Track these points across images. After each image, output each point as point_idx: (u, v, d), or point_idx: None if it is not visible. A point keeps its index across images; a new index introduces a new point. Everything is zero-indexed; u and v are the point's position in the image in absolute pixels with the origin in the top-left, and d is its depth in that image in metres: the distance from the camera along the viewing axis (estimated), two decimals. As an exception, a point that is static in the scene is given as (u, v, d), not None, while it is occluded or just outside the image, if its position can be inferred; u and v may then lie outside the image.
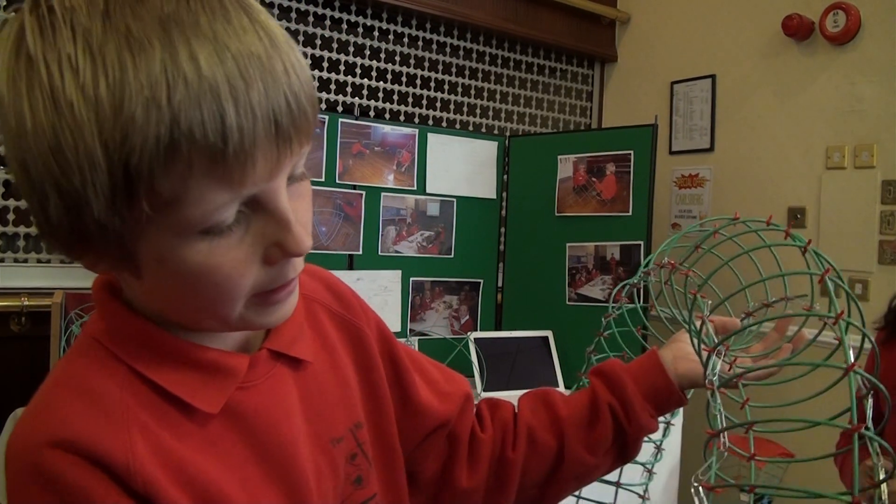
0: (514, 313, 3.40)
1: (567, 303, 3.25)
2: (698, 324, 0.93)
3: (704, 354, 0.90)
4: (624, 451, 0.99)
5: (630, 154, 3.11)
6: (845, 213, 3.10)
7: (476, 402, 0.98)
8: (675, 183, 3.83)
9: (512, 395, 2.96)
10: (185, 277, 0.60)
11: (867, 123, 3.10)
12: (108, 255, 0.60)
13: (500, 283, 3.43)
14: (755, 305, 0.95)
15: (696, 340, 0.93)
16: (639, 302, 1.15)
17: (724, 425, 0.80)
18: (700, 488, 0.74)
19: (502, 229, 3.43)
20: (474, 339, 3.00)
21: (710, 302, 0.96)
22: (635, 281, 1.10)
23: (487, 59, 3.78)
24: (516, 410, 1.00)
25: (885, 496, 0.78)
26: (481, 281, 3.35)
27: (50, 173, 0.55)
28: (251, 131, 0.56)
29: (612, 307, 1.17)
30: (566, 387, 3.12)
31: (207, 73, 0.54)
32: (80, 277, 2.75)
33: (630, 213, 3.10)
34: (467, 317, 3.32)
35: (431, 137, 3.19)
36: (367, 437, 0.82)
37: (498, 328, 3.39)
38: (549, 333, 3.19)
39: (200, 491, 0.62)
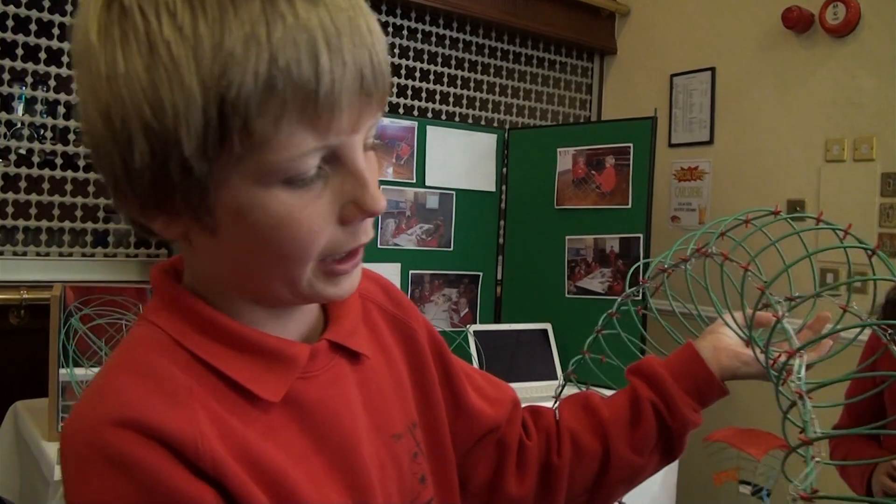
0: (513, 306, 3.40)
1: (566, 295, 3.25)
2: (746, 319, 0.92)
3: (761, 355, 0.89)
4: (669, 449, 0.97)
5: (629, 147, 3.10)
6: (845, 206, 3.10)
7: None
8: (674, 176, 3.82)
9: (512, 387, 2.94)
10: (264, 231, 0.60)
11: (866, 116, 3.10)
12: (186, 210, 0.61)
13: (499, 276, 3.43)
14: (797, 294, 0.93)
15: (756, 346, 0.91)
16: (645, 298, 1.14)
17: (817, 431, 0.78)
18: (799, 498, 0.73)
19: (501, 222, 3.43)
20: (473, 331, 3.00)
21: (781, 300, 0.94)
22: (666, 266, 1.07)
23: (487, 51, 3.77)
24: (557, 416, 0.99)
25: None
26: (480, 274, 3.35)
27: (139, 115, 0.56)
28: (341, 78, 0.58)
29: (619, 302, 1.16)
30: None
31: (304, 17, 0.56)
32: (79, 270, 2.75)
33: (629, 206, 3.09)
34: (466, 310, 3.32)
35: (430, 130, 3.19)
36: (422, 438, 0.82)
37: (497, 321, 3.39)
38: (548, 326, 3.20)
39: (268, 476, 0.62)
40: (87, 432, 0.58)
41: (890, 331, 0.82)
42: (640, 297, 1.13)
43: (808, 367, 0.96)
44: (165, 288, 0.69)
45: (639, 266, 1.15)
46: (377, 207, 0.64)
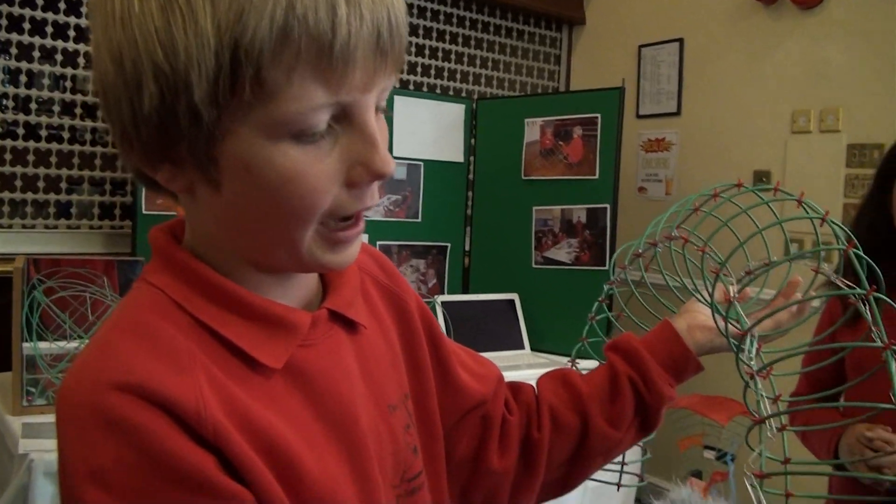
0: (480, 277, 3.41)
1: (533, 266, 3.26)
2: (717, 297, 0.94)
3: (722, 324, 0.92)
4: (646, 423, 0.99)
5: (597, 118, 3.11)
6: (810, 177, 3.13)
7: None
8: (641, 147, 3.84)
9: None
10: (269, 186, 0.59)
11: (833, 87, 3.12)
12: (191, 160, 0.60)
13: (467, 247, 3.44)
14: (755, 264, 0.95)
15: (717, 318, 0.94)
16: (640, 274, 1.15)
17: (768, 410, 0.80)
18: (752, 476, 0.74)
19: (469, 193, 3.42)
20: (441, 302, 3.01)
21: (734, 281, 0.96)
22: (641, 250, 1.10)
23: (455, 20, 3.74)
24: (536, 392, 1.00)
25: None
26: (448, 245, 3.35)
27: (151, 57, 0.56)
28: (357, 32, 0.57)
29: (615, 274, 1.18)
30: (532, 349, 3.14)
31: None
32: (41, 242, 2.71)
33: (596, 177, 3.10)
34: (434, 280, 3.32)
35: (398, 100, 3.17)
36: (413, 410, 0.82)
37: (465, 292, 3.40)
38: (515, 296, 3.21)
39: (268, 444, 0.61)
40: (86, 395, 0.56)
41: (856, 293, 0.84)
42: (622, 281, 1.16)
43: (771, 337, 0.97)
44: (166, 249, 0.67)
45: (621, 250, 1.18)
46: (387, 170, 0.62)
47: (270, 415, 0.62)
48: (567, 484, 0.99)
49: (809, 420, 1.64)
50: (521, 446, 0.94)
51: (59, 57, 2.81)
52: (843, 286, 0.81)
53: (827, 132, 3.13)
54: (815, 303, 1.01)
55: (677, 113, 3.71)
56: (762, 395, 0.82)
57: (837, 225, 0.90)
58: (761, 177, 3.30)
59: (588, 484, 1.16)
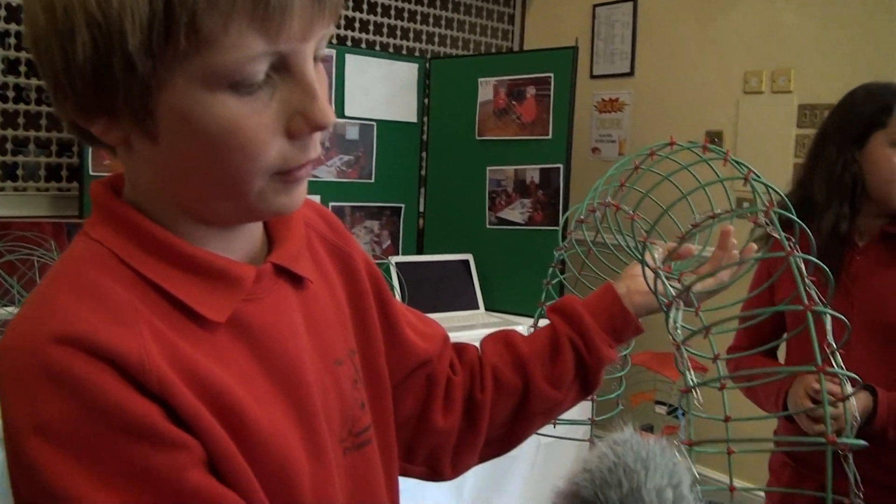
0: (435, 237, 3.40)
1: (487, 226, 3.26)
2: (648, 256, 0.95)
3: (651, 279, 0.93)
4: (586, 384, 1.00)
5: (550, 77, 3.10)
6: (762, 137, 3.17)
7: None
8: (595, 107, 3.84)
9: (435, 318, 2.97)
10: (207, 138, 0.58)
11: (785, 48, 3.14)
12: (127, 112, 0.58)
13: (421, 208, 3.42)
14: (700, 217, 0.96)
15: (646, 272, 0.95)
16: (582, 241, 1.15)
17: (693, 381, 0.81)
18: (682, 447, 0.75)
19: (423, 154, 3.40)
20: (396, 263, 3.00)
21: (659, 248, 0.98)
22: (583, 216, 1.11)
23: (407, -22, 3.68)
24: (480, 353, 1.01)
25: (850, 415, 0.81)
26: (403, 206, 3.33)
27: (83, 4, 0.54)
28: None
29: (564, 243, 1.18)
30: (486, 308, 3.15)
31: None
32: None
33: (550, 137, 3.10)
34: (388, 242, 3.31)
35: (349, 59, 3.12)
36: (360, 365, 0.81)
37: (419, 252, 3.39)
38: (469, 257, 3.21)
39: (215, 395, 0.61)
40: (27, 351, 0.56)
41: (791, 240, 0.85)
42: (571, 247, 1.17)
43: (711, 294, 0.99)
44: (107, 202, 0.66)
45: (569, 214, 1.18)
46: (326, 120, 0.61)
47: (216, 367, 0.62)
48: (508, 443, 1.00)
49: (754, 374, 1.66)
50: (465, 406, 0.95)
51: (1, 13, 2.70)
52: (780, 239, 0.82)
53: (779, 93, 3.16)
54: (753, 255, 1.02)
55: (631, 73, 3.71)
56: (688, 367, 0.84)
57: (762, 182, 0.91)
58: (713, 137, 3.33)
59: (541, 440, 1.18)
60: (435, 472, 0.95)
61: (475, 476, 2.64)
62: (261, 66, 0.58)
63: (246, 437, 0.62)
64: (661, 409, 3.21)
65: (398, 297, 2.89)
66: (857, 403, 1.44)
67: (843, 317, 0.81)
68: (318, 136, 0.64)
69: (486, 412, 0.95)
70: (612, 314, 1.00)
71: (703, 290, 0.97)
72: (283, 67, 0.60)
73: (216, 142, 0.59)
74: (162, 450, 0.56)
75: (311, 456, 0.68)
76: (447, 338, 0.97)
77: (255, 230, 0.72)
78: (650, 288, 0.96)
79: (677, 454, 0.61)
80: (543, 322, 1.10)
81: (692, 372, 0.85)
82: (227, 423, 0.61)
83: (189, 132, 0.59)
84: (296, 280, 0.73)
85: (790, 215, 0.85)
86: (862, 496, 0.81)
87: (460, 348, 1.01)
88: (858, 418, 1.43)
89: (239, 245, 0.70)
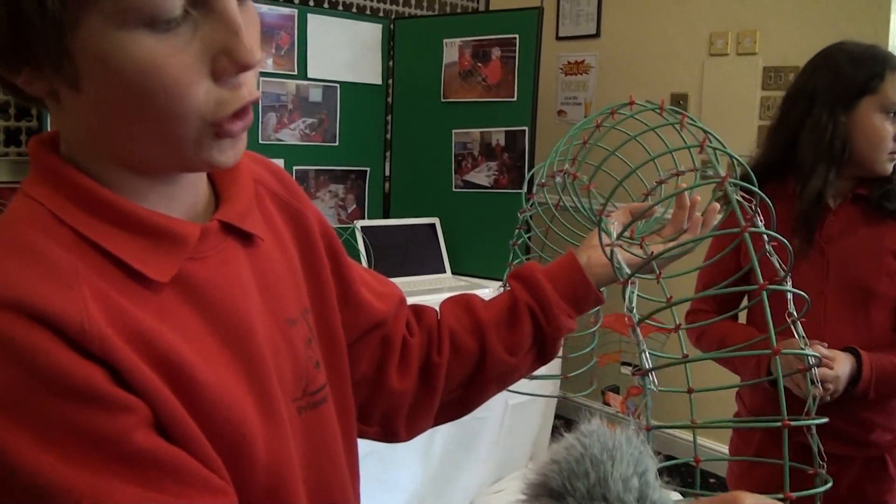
0: (401, 201, 3.37)
1: (453, 189, 3.24)
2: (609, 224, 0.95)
3: (608, 250, 0.93)
4: (543, 351, 1.00)
5: (515, 38, 3.06)
6: (727, 99, 3.17)
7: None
8: (561, 70, 3.82)
9: (401, 282, 2.97)
10: (129, 81, 0.56)
11: (750, 10, 3.14)
12: (46, 59, 0.57)
13: (387, 172, 3.39)
14: (665, 174, 0.95)
15: (603, 246, 0.94)
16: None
17: (649, 363, 0.81)
18: (643, 430, 0.75)
19: (388, 117, 3.36)
20: (361, 227, 2.97)
21: (615, 223, 0.97)
22: (543, 181, 1.09)
23: (370, -64, 3.61)
24: (439, 316, 1.00)
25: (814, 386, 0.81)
26: (368, 169, 3.29)
27: None
28: None
29: (527, 205, 1.17)
30: (453, 272, 3.15)
31: None
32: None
33: (515, 99, 3.08)
34: (354, 206, 3.28)
35: (312, 19, 3.05)
36: (314, 324, 0.80)
37: (386, 216, 3.36)
38: (436, 220, 3.19)
39: (161, 357, 0.59)
40: None
41: (751, 203, 0.85)
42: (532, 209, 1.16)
43: (671, 259, 0.98)
44: (44, 160, 0.63)
45: (530, 175, 1.18)
46: (251, 59, 0.59)
47: (163, 328, 0.60)
48: (463, 407, 1.00)
49: (726, 339, 1.65)
50: (421, 368, 0.95)
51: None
52: (736, 211, 0.81)
53: (744, 55, 3.16)
54: (715, 221, 1.02)
55: (596, 35, 3.69)
56: (644, 350, 0.84)
57: (719, 149, 0.90)
58: (678, 99, 3.32)
59: (508, 402, 1.18)
60: (389, 433, 0.95)
61: (443, 438, 2.65)
62: (175, 1, 0.56)
63: (195, 398, 0.60)
64: (627, 370, 3.24)
65: (364, 261, 2.87)
66: (841, 367, 1.45)
67: (802, 293, 0.82)
68: (250, 77, 0.62)
69: (443, 375, 0.95)
70: (573, 283, 0.99)
71: (665, 256, 0.96)
72: (202, 3, 0.58)
73: (137, 84, 0.57)
74: (107, 412, 0.55)
75: (264, 416, 0.67)
76: (403, 299, 0.96)
77: (198, 185, 0.70)
78: (609, 260, 0.95)
79: (643, 443, 0.62)
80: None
81: (647, 354, 0.85)
82: (176, 385, 0.59)
83: (108, 76, 0.57)
84: (245, 238, 0.72)
85: (751, 186, 0.84)
86: (825, 466, 0.82)
87: (419, 310, 1.00)
88: (834, 387, 1.44)
89: (182, 201, 0.68)
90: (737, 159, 0.92)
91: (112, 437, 0.55)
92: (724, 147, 0.88)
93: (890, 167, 1.54)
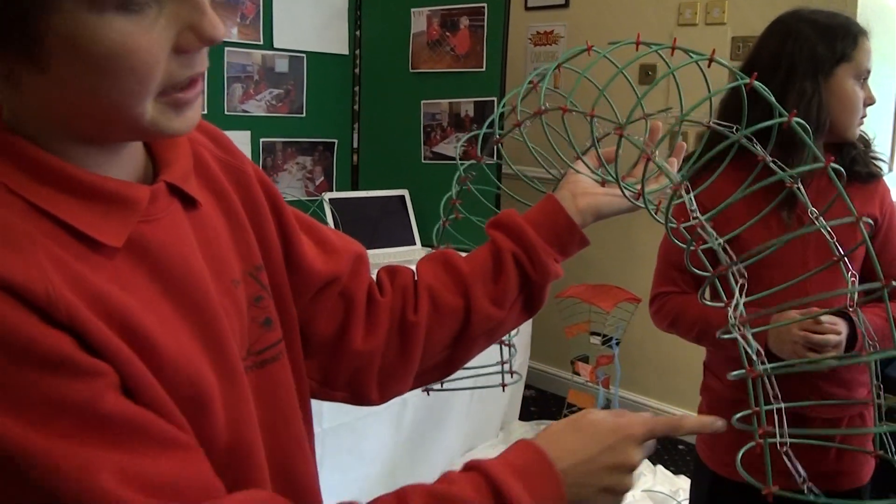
0: (370, 173, 3.35)
1: (423, 161, 3.22)
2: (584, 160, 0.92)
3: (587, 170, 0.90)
4: (530, 301, 0.97)
5: (483, 7, 3.04)
6: (695, 69, 3.16)
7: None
8: (530, 40, 3.80)
9: (370, 254, 2.96)
10: (99, 63, 0.57)
11: (717, -22, 3.14)
12: (14, 40, 0.56)
13: (355, 144, 3.36)
14: (652, 113, 0.94)
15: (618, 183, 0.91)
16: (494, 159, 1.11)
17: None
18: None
19: (356, 87, 3.33)
20: (329, 199, 2.95)
21: (639, 138, 0.94)
22: (500, 136, 1.06)
23: None
24: (416, 276, 0.97)
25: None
26: (336, 141, 3.27)
27: None
28: None
29: (461, 165, 1.14)
30: (423, 244, 3.14)
31: None
32: None
33: (484, 69, 3.06)
34: (322, 178, 3.25)
35: (277, -12, 3.01)
36: (267, 281, 0.80)
37: (354, 189, 3.34)
38: (405, 192, 3.18)
39: (121, 321, 0.60)
40: None
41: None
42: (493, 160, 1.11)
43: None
44: None
45: (489, 124, 1.13)
46: (216, 34, 0.61)
47: (119, 293, 0.60)
48: (449, 367, 0.98)
49: (706, 315, 1.64)
50: (393, 328, 0.93)
51: None
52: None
53: (712, 24, 3.16)
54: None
55: (566, 5, 3.67)
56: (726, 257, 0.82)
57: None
58: (647, 70, 3.32)
59: (476, 384, 1.17)
60: (359, 396, 0.94)
61: (414, 408, 2.66)
62: None
63: (156, 361, 0.61)
64: (596, 340, 3.27)
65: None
66: (837, 329, 1.46)
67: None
68: (205, 50, 0.63)
69: (421, 335, 0.93)
70: (556, 225, 0.96)
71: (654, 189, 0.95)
72: None
73: (106, 66, 0.57)
74: (77, 379, 0.55)
75: (222, 377, 0.68)
76: (362, 256, 0.94)
77: (139, 148, 0.70)
78: (615, 180, 0.92)
79: None
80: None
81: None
82: (137, 348, 0.60)
83: (77, 58, 0.57)
84: (187, 201, 0.72)
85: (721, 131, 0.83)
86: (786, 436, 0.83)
87: (393, 270, 0.98)
88: (837, 352, 1.46)
89: (126, 166, 0.68)
90: (722, 126, 0.90)
91: (83, 402, 0.55)
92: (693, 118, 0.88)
93: (857, 132, 1.57)
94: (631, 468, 0.76)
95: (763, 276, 0.89)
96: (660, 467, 3.14)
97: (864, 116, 1.57)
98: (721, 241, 0.83)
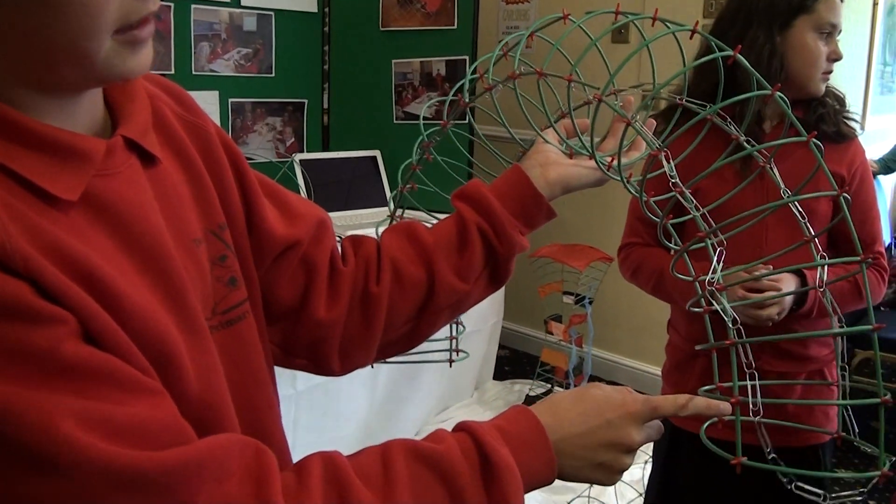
0: (341, 134, 3.32)
1: (394, 121, 3.20)
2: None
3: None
4: (495, 274, 0.96)
5: (455, -37, 3.00)
6: (670, 11, 3.16)
7: None
8: (502, -3, 3.76)
9: (342, 216, 2.93)
10: (48, 3, 0.56)
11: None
12: None
13: (325, 104, 3.32)
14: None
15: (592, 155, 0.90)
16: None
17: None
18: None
19: (326, 47, 3.28)
20: (300, 160, 2.92)
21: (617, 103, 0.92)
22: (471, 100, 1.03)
23: None
24: (379, 247, 0.95)
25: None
26: (306, 101, 3.23)
27: None
28: None
29: (424, 131, 1.11)
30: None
31: None
32: None
33: (455, 27, 3.02)
34: (292, 139, 3.21)
35: (243, -57, 2.94)
36: (231, 240, 0.78)
37: (325, 150, 3.31)
38: (377, 153, 3.16)
39: (82, 271, 0.58)
40: None
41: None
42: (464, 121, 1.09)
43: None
44: None
45: (459, 86, 1.10)
46: None
47: (78, 244, 0.59)
48: (413, 339, 0.97)
49: (662, 274, 1.66)
50: (354, 298, 0.91)
51: None
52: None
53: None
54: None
55: (537, -39, 3.63)
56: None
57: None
58: (620, 29, 3.30)
59: (453, 332, 1.16)
60: (319, 365, 0.93)
61: (388, 369, 2.67)
62: None
63: (119, 312, 0.60)
64: (569, 299, 3.29)
65: (304, 196, 2.83)
66: (787, 287, 1.48)
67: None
68: None
69: (383, 307, 0.91)
70: (522, 197, 0.94)
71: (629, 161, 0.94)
72: None
73: (54, 6, 0.55)
74: (38, 326, 0.54)
75: (186, 332, 0.66)
76: (325, 222, 0.92)
77: (96, 101, 0.68)
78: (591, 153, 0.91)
79: None
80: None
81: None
82: (99, 298, 0.58)
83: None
84: (146, 158, 0.70)
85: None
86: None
87: (357, 241, 0.96)
88: (780, 308, 1.47)
89: (82, 119, 0.66)
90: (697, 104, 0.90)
91: (44, 350, 0.54)
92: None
93: (822, 87, 1.56)
94: (629, 447, 0.76)
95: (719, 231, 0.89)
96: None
97: (830, 72, 1.56)
98: (703, 210, 0.83)
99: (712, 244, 0.81)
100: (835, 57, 1.55)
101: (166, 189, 0.71)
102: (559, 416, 0.74)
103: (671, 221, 0.84)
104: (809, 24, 1.52)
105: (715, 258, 0.81)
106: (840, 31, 1.55)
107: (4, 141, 0.58)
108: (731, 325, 0.79)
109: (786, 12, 1.52)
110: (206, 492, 0.60)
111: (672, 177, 0.83)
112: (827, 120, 1.57)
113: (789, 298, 1.47)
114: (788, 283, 1.49)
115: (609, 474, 0.76)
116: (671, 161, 0.84)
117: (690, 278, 0.83)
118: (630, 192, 0.90)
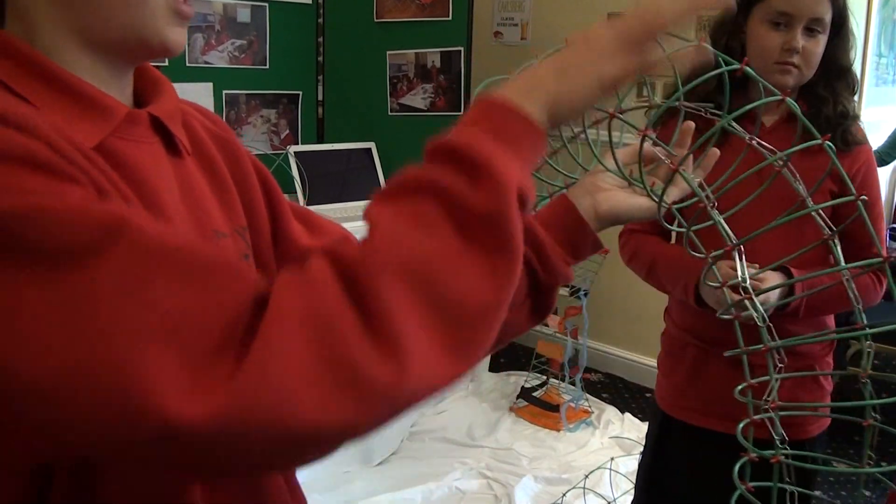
0: (336, 126, 3.31)
1: (389, 113, 3.19)
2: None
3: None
4: (539, 305, 0.90)
5: (449, -46, 2.99)
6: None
7: None
8: (496, -11, 3.75)
9: (337, 208, 2.92)
10: None
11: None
12: None
13: (320, 96, 3.31)
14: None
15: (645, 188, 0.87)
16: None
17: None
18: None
19: (320, 38, 3.27)
20: (295, 153, 2.91)
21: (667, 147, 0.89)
22: None
23: None
24: None
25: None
26: (300, 93, 3.22)
27: None
28: None
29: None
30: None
31: None
32: None
33: (450, 18, 3.02)
34: (287, 131, 3.20)
35: (237, -66, 2.93)
36: (252, 243, 0.79)
37: (320, 142, 3.30)
38: (371, 145, 3.15)
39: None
40: None
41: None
42: None
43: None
44: None
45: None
46: None
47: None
48: None
49: (658, 257, 1.66)
50: None
51: None
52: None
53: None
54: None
55: (532, -47, 3.62)
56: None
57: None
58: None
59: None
60: None
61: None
62: None
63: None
64: (564, 291, 3.29)
65: (298, 188, 2.82)
66: (769, 285, 1.47)
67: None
68: None
69: None
70: (567, 227, 0.89)
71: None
72: None
73: None
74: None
75: None
76: (347, 238, 0.89)
77: (127, 83, 0.71)
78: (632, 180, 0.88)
79: None
80: None
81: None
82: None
83: None
84: (170, 146, 0.71)
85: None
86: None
87: None
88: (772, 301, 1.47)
89: (112, 89, 0.68)
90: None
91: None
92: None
93: (786, 79, 1.50)
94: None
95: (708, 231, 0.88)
96: (628, 415, 3.19)
97: (789, 64, 1.49)
98: (728, 230, 0.82)
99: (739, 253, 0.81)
100: (787, 47, 1.48)
101: (189, 180, 0.72)
102: (517, 79, 0.67)
103: (693, 228, 0.84)
104: (761, 14, 1.51)
105: (737, 261, 0.81)
106: (809, 20, 1.48)
107: (34, 81, 0.62)
108: (762, 326, 0.79)
109: (744, 2, 1.52)
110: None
111: (708, 198, 0.83)
112: (830, 121, 1.54)
113: (773, 297, 1.46)
114: (772, 282, 1.48)
115: (618, 58, 0.69)
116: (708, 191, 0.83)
117: (717, 284, 0.82)
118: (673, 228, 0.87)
